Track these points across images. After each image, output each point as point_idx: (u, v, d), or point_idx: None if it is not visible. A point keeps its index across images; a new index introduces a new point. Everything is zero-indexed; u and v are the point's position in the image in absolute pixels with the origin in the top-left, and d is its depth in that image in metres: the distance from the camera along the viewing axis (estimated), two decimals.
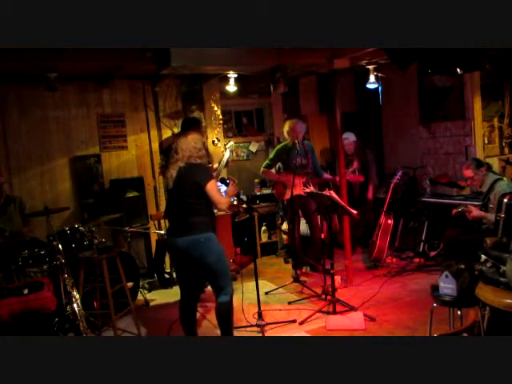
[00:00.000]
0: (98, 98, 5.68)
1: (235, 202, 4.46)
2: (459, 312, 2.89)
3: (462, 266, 2.93)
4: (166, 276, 5.60)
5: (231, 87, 5.47)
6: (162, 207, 6.04)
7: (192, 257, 3.30)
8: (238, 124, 6.98)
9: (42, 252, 4.08)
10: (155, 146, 6.01)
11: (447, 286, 2.88)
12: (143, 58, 4.30)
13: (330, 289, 4.32)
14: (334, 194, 4.23)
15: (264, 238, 6.50)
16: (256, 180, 6.54)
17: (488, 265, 2.77)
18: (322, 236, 4.81)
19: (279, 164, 5.56)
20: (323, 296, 4.59)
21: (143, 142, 5.97)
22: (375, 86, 5.65)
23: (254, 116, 7.09)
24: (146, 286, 5.45)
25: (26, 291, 3.54)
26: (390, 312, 4.20)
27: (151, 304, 4.95)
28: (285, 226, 6.18)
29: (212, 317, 4.01)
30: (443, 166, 6.26)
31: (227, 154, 4.80)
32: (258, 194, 6.48)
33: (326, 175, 5.60)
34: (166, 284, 5.49)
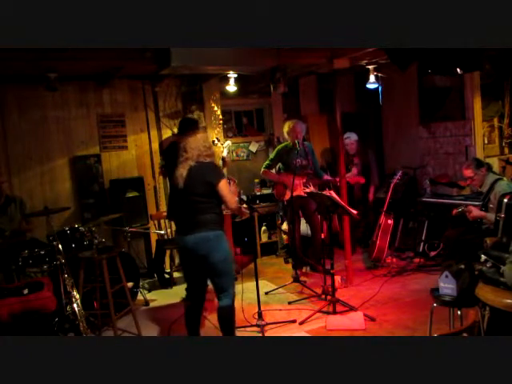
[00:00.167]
0: (98, 98, 5.68)
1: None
2: (459, 312, 2.89)
3: (462, 266, 2.93)
4: (166, 276, 5.61)
5: (231, 87, 5.47)
6: (162, 207, 6.04)
7: (199, 254, 3.29)
8: (238, 124, 6.98)
9: (42, 252, 4.09)
10: (155, 146, 6.01)
11: (447, 285, 2.88)
12: (143, 58, 4.30)
13: (330, 289, 4.32)
14: (334, 194, 4.23)
15: (264, 237, 6.49)
16: (256, 180, 6.54)
17: (488, 265, 2.78)
18: (322, 236, 4.81)
19: (279, 164, 5.57)
20: (323, 296, 4.59)
21: (143, 141, 5.98)
22: (375, 85, 5.65)
23: (254, 116, 7.08)
24: (146, 285, 5.45)
25: (25, 291, 3.54)
26: (390, 312, 4.20)
27: (151, 304, 4.95)
28: (285, 226, 6.18)
29: (212, 317, 4.01)
30: (443, 166, 6.26)
31: (225, 152, 4.82)
32: (258, 193, 6.47)
33: (326, 176, 5.60)
34: (165, 284, 5.50)
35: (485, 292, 2.65)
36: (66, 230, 4.41)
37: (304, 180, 5.31)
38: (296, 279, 5.06)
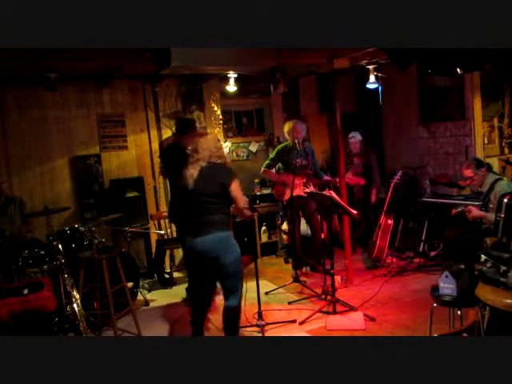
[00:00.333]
0: (98, 98, 5.68)
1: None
2: (459, 312, 2.89)
3: (462, 266, 2.93)
4: (166, 276, 5.61)
5: (231, 87, 5.47)
6: (162, 207, 6.04)
7: (210, 256, 3.25)
8: (237, 124, 6.98)
9: (42, 252, 4.08)
10: (155, 145, 6.01)
11: (447, 285, 2.88)
12: (143, 57, 4.29)
13: (330, 289, 4.32)
14: (334, 194, 4.23)
15: (264, 238, 6.49)
16: (256, 180, 6.54)
17: (488, 265, 2.77)
18: (322, 236, 4.81)
19: (279, 164, 5.56)
20: (323, 296, 4.59)
21: (143, 141, 5.97)
22: (375, 85, 5.64)
23: (254, 116, 7.08)
24: (146, 285, 5.45)
25: (25, 291, 3.54)
26: (390, 312, 4.20)
27: (151, 304, 4.95)
28: (285, 226, 6.18)
29: (213, 317, 4.01)
30: (443, 166, 6.26)
31: (225, 152, 4.82)
32: (258, 193, 6.48)
33: (326, 177, 5.59)
34: (165, 284, 5.50)
35: (485, 292, 2.65)
36: (66, 229, 4.41)
37: (304, 180, 5.31)
38: (296, 279, 5.06)
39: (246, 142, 6.91)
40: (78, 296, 3.70)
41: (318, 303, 4.50)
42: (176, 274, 5.75)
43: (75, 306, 3.61)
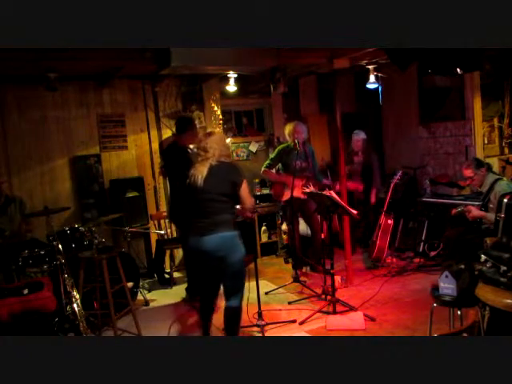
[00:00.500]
0: (98, 98, 5.68)
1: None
2: (459, 312, 2.89)
3: (462, 266, 2.93)
4: (166, 276, 5.61)
5: (231, 87, 5.47)
6: (162, 207, 6.04)
7: (217, 256, 3.23)
8: (237, 124, 6.98)
9: (42, 252, 4.08)
10: (155, 145, 6.01)
11: (447, 286, 2.88)
12: (143, 57, 4.30)
13: (330, 289, 4.32)
14: (333, 194, 4.24)
15: (264, 238, 6.50)
16: (256, 180, 6.54)
17: (488, 265, 2.77)
18: (322, 236, 4.81)
19: (279, 165, 5.55)
20: (323, 296, 4.59)
21: (143, 141, 5.98)
22: (375, 85, 5.65)
23: (254, 116, 7.08)
24: (146, 285, 5.45)
25: (25, 291, 3.54)
26: (390, 312, 4.20)
27: (151, 304, 4.95)
28: (284, 227, 6.18)
29: (213, 317, 4.01)
30: (443, 166, 6.26)
31: None
32: (258, 193, 6.48)
33: (325, 181, 5.59)
34: (165, 284, 5.50)
35: (485, 292, 2.65)
36: (66, 229, 4.41)
37: (303, 182, 5.29)
38: (296, 279, 5.06)
39: (246, 142, 6.91)
40: (77, 296, 3.70)
41: (318, 303, 4.50)
42: (176, 274, 5.75)
43: (75, 305, 3.60)
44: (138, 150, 5.94)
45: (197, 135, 4.59)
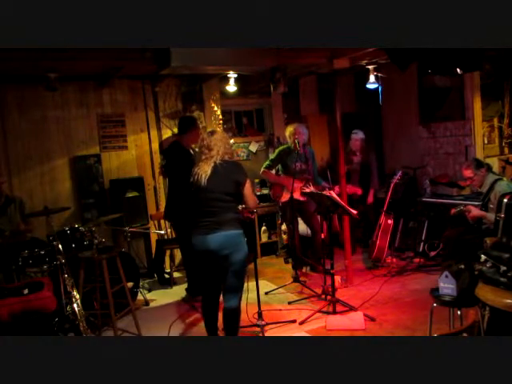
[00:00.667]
0: (98, 98, 5.68)
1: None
2: (459, 312, 2.89)
3: (462, 266, 2.93)
4: (166, 276, 5.61)
5: (231, 87, 5.47)
6: (162, 207, 6.03)
7: (222, 254, 3.23)
8: (238, 124, 6.98)
9: (42, 252, 4.08)
10: (155, 146, 6.01)
11: (447, 285, 2.88)
12: (143, 58, 4.30)
13: (330, 289, 4.32)
14: (333, 194, 4.24)
15: (264, 238, 6.50)
16: (256, 180, 6.54)
17: (488, 265, 2.77)
18: (322, 236, 4.81)
19: (279, 166, 5.55)
20: (323, 296, 4.59)
21: (143, 141, 5.97)
22: (375, 85, 5.65)
23: (253, 116, 7.08)
24: (146, 285, 5.45)
25: (26, 291, 3.53)
26: (390, 312, 4.20)
27: (151, 304, 4.95)
28: (284, 227, 6.18)
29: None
30: (443, 166, 6.26)
31: None
32: (258, 194, 6.47)
33: (324, 184, 5.59)
34: (165, 284, 5.50)
35: (485, 292, 2.65)
36: (66, 229, 4.41)
37: (302, 184, 5.28)
38: (296, 279, 5.06)
39: (246, 142, 6.91)
40: (77, 296, 3.70)
41: (317, 303, 4.50)
42: (176, 274, 5.75)
43: (75, 306, 3.60)
44: (138, 150, 5.94)
45: (199, 135, 4.59)
